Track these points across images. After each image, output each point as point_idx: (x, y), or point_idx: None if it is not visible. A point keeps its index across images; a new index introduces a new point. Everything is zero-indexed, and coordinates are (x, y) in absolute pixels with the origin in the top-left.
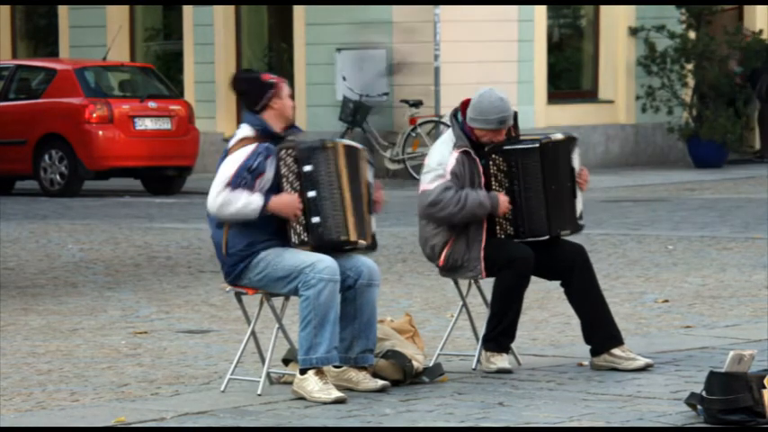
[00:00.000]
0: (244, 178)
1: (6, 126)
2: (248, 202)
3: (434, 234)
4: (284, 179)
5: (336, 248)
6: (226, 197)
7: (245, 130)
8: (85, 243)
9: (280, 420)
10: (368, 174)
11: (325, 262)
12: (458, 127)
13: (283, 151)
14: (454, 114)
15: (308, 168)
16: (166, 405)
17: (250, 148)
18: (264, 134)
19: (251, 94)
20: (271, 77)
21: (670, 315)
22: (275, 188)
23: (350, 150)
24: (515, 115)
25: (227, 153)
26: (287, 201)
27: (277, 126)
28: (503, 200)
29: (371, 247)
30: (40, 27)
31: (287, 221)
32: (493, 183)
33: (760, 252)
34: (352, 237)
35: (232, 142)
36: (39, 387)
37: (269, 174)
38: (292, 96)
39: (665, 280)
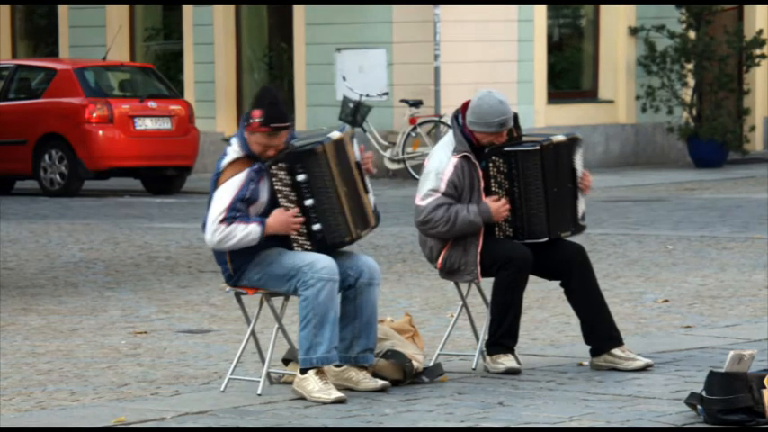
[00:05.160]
0: (239, 210)
1: (6, 126)
2: (246, 233)
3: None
4: (279, 193)
5: (338, 248)
6: (223, 233)
7: (235, 150)
8: (85, 243)
9: (280, 420)
10: (355, 154)
11: (323, 261)
12: (458, 130)
13: (274, 167)
14: (455, 116)
15: (301, 177)
16: (166, 405)
17: (242, 176)
18: (251, 157)
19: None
20: (259, 115)
21: (670, 315)
22: (270, 207)
23: (338, 145)
24: (516, 116)
25: (218, 176)
26: (282, 220)
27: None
28: (495, 208)
29: (374, 225)
30: (40, 27)
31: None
32: (492, 185)
33: (760, 252)
34: (354, 234)
35: (223, 164)
36: (39, 387)
37: (263, 198)
38: (283, 143)
39: (665, 280)
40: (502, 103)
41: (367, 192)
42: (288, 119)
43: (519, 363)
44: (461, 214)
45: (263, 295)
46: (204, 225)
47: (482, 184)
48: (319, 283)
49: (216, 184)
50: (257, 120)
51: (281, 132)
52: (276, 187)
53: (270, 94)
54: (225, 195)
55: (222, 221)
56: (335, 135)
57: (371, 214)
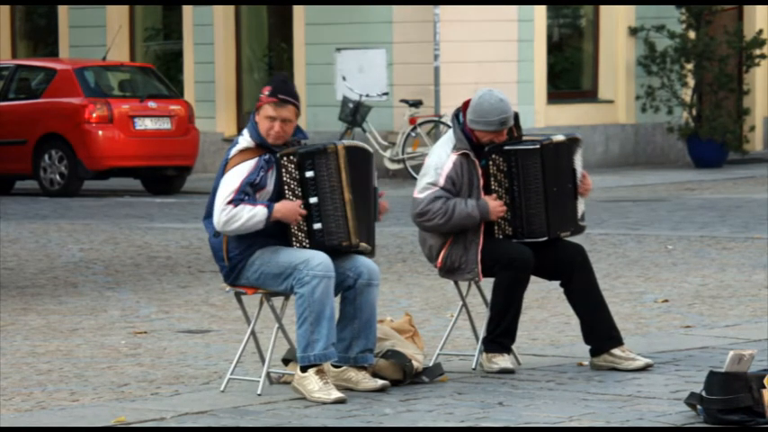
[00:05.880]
0: (246, 194)
1: (6, 126)
2: (252, 215)
3: (432, 235)
4: (286, 186)
5: (336, 251)
6: (229, 214)
7: (246, 140)
8: (85, 243)
9: (280, 420)
10: (374, 177)
11: (318, 258)
12: (458, 128)
13: (285, 158)
14: (456, 115)
15: (309, 174)
16: (166, 405)
17: (252, 162)
18: (262, 146)
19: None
20: (268, 89)
21: (670, 315)
22: (276, 197)
23: (353, 152)
24: (516, 116)
25: (227, 162)
26: (289, 207)
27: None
28: (493, 206)
29: (370, 253)
30: (40, 27)
31: (288, 226)
32: (492, 183)
33: (760, 252)
34: (354, 240)
35: (233, 151)
36: (39, 387)
37: (269, 187)
38: (290, 118)
39: (665, 280)
40: (502, 102)
41: (376, 219)
42: (296, 97)
43: (518, 362)
44: (459, 207)
45: (263, 295)
46: (205, 216)
47: (481, 182)
48: (314, 281)
49: (224, 170)
50: (266, 93)
51: (288, 106)
52: (284, 179)
53: (282, 76)
54: (234, 178)
55: (230, 202)
56: (353, 142)
57: (372, 235)
